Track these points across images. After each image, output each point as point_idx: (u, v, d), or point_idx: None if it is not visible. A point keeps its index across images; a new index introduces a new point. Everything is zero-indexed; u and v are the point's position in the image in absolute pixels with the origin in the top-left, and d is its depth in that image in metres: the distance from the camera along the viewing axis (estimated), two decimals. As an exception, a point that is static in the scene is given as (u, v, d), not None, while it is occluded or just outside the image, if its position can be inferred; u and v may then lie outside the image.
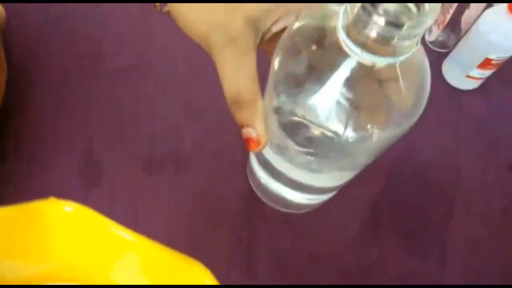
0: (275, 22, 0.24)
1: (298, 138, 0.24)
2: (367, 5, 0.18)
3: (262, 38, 0.25)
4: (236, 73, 0.23)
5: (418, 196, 0.42)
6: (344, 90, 0.21)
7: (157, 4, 0.26)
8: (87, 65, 0.45)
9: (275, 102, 0.24)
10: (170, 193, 0.40)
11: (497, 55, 0.41)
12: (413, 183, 0.43)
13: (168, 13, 0.26)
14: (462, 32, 0.47)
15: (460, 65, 0.45)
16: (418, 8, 0.18)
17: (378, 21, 0.17)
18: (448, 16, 0.45)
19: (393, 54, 0.19)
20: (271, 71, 0.24)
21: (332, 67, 0.20)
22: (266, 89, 0.26)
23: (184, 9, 0.24)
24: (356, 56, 0.19)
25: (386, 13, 0.18)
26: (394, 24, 0.17)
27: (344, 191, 0.41)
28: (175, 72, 0.46)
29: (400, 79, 0.21)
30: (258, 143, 0.25)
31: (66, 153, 0.41)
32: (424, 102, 0.23)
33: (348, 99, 0.21)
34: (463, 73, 0.45)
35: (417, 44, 0.19)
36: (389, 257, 0.39)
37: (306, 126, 0.23)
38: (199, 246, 0.39)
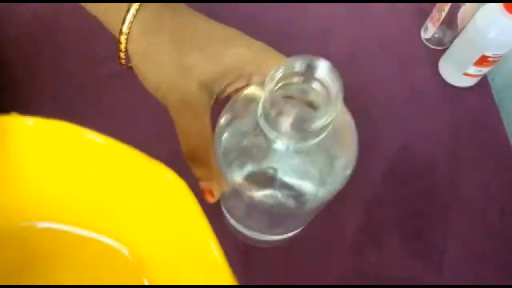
0: (228, 84, 0.27)
1: (241, 197, 0.25)
2: (272, 110, 0.19)
3: (217, 98, 0.28)
4: (190, 133, 0.26)
5: (415, 196, 0.42)
6: (274, 161, 0.22)
7: (123, 59, 0.29)
8: (82, 69, 0.45)
9: (222, 162, 0.25)
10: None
11: (494, 52, 0.41)
12: (409, 183, 0.42)
13: (131, 68, 0.29)
14: (459, 29, 0.46)
15: (457, 63, 0.45)
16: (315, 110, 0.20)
17: (284, 122, 0.19)
18: (444, 13, 0.45)
19: (306, 139, 0.20)
20: (215, 131, 0.25)
21: (261, 139, 0.21)
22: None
23: (144, 71, 0.27)
24: (273, 139, 0.20)
25: (290, 116, 0.19)
26: (299, 124, 0.19)
27: (339, 195, 0.41)
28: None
29: (320, 149, 0.22)
30: (212, 195, 0.27)
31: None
32: (353, 151, 0.24)
33: (278, 171, 0.22)
34: (460, 70, 0.45)
35: (330, 125, 0.20)
36: (387, 262, 0.39)
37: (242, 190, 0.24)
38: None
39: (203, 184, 0.26)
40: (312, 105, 0.21)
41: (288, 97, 0.21)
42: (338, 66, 0.20)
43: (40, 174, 0.25)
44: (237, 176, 0.23)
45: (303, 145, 0.20)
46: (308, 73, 0.20)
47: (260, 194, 0.23)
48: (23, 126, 0.23)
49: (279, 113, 0.19)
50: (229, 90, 0.28)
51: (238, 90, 0.27)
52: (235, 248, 0.38)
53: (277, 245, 0.38)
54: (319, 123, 0.18)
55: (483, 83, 0.47)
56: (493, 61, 0.42)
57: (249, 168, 0.23)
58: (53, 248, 0.26)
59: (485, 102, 0.47)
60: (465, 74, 0.45)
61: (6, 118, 0.23)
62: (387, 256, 0.39)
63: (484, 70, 0.44)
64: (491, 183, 0.43)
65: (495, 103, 0.47)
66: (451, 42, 0.46)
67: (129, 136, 0.42)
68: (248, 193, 0.23)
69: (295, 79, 0.20)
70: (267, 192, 0.23)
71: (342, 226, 0.40)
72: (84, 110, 0.43)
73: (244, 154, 0.23)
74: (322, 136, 0.20)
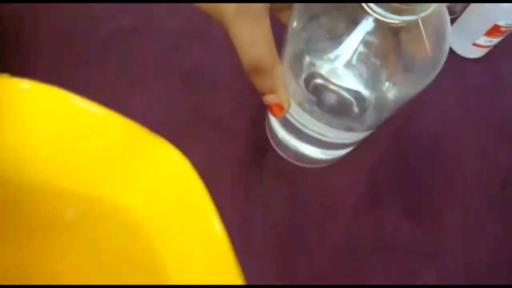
0: None
1: (317, 98, 0.25)
2: None
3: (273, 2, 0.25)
4: (252, 41, 0.23)
5: (417, 165, 0.42)
6: (363, 49, 0.21)
7: None
8: (80, 30, 0.43)
9: (294, 65, 0.24)
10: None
11: (507, 21, 0.40)
12: (413, 152, 0.42)
13: None
14: (471, -3, 0.45)
15: (467, 32, 0.44)
16: None
17: None
18: (458, -20, 0.43)
19: (414, 12, 0.19)
20: (288, 34, 0.24)
21: (350, 27, 0.21)
22: (283, 53, 0.25)
23: None
24: (379, 16, 0.20)
25: None
26: None
27: (342, 162, 0.41)
28: (172, 36, 0.44)
29: (422, 30, 0.21)
30: (281, 108, 0.25)
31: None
32: (444, 52, 0.23)
33: (367, 58, 0.22)
34: (470, 40, 0.44)
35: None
36: (386, 229, 0.39)
37: (326, 88, 0.23)
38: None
39: (270, 98, 0.25)
40: None
41: None
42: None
43: (32, 138, 0.23)
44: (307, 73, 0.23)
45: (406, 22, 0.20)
46: None
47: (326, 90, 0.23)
48: (16, 89, 0.21)
49: None
50: None
51: None
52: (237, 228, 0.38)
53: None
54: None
55: (491, 55, 0.47)
56: (505, 31, 0.41)
57: (330, 66, 0.22)
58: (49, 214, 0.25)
59: (492, 75, 0.46)
60: (475, 44, 0.44)
61: None
62: (387, 223, 0.39)
63: (495, 40, 0.43)
64: (495, 156, 0.43)
65: (502, 76, 0.46)
66: (462, 11, 0.45)
67: (132, 100, 0.41)
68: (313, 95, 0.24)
69: None
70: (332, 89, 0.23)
71: (342, 192, 0.40)
72: (85, 73, 0.42)
73: (325, 53, 0.22)
74: (429, 11, 0.19)
